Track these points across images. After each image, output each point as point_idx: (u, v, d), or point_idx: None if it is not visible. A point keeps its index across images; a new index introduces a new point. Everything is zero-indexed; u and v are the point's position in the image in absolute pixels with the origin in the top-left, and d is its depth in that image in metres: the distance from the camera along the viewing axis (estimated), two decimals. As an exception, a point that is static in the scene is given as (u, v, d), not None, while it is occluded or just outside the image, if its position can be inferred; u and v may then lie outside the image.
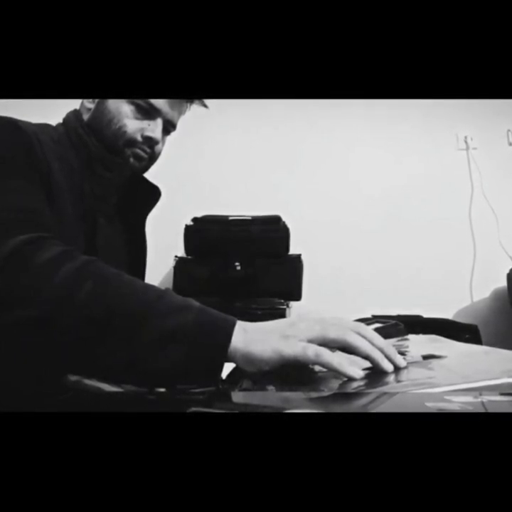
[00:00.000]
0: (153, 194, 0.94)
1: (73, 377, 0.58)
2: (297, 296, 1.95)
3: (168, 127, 0.88)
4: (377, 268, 2.26)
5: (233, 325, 0.51)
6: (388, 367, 0.52)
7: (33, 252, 0.52)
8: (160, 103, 0.84)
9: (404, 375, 0.51)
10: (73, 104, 0.88)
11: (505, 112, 2.30)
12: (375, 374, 0.51)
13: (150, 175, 0.92)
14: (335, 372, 0.50)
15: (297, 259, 1.97)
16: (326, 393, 0.47)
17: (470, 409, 0.36)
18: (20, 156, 0.69)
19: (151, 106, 0.83)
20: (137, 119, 0.83)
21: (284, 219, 1.99)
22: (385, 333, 0.61)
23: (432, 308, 1.96)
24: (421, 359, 0.59)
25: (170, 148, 0.95)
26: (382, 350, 0.52)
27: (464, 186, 2.33)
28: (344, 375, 0.50)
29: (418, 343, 0.74)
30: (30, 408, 0.39)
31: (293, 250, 1.98)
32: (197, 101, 0.91)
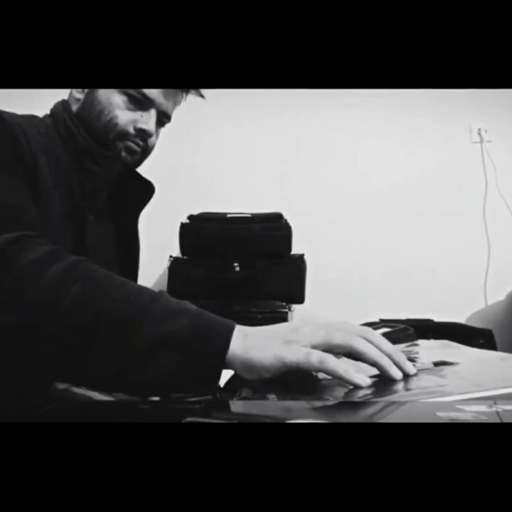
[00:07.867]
0: (146, 190, 0.94)
1: (61, 386, 0.58)
2: (300, 299, 1.95)
3: (163, 119, 0.89)
4: (385, 269, 2.26)
5: (232, 329, 0.51)
6: (397, 374, 0.52)
7: (18, 252, 0.52)
8: (154, 93, 0.84)
9: (414, 383, 0.52)
10: (61, 94, 0.88)
11: (521, 102, 2.31)
12: (383, 382, 0.51)
13: (143, 169, 0.92)
14: (340, 380, 0.50)
15: (300, 259, 1.97)
16: (330, 402, 0.47)
17: (484, 419, 0.36)
18: (3, 149, 0.69)
19: (144, 96, 0.83)
20: (129, 110, 0.84)
21: (286, 216, 1.99)
22: (394, 338, 0.61)
23: (443, 311, 1.96)
24: (432, 366, 0.59)
25: (164, 140, 0.95)
26: (390, 357, 0.52)
27: (478, 181, 2.33)
28: (350, 382, 0.50)
29: (429, 349, 0.74)
30: (14, 419, 0.39)
31: (295, 250, 1.98)
32: (193, 91, 0.91)
